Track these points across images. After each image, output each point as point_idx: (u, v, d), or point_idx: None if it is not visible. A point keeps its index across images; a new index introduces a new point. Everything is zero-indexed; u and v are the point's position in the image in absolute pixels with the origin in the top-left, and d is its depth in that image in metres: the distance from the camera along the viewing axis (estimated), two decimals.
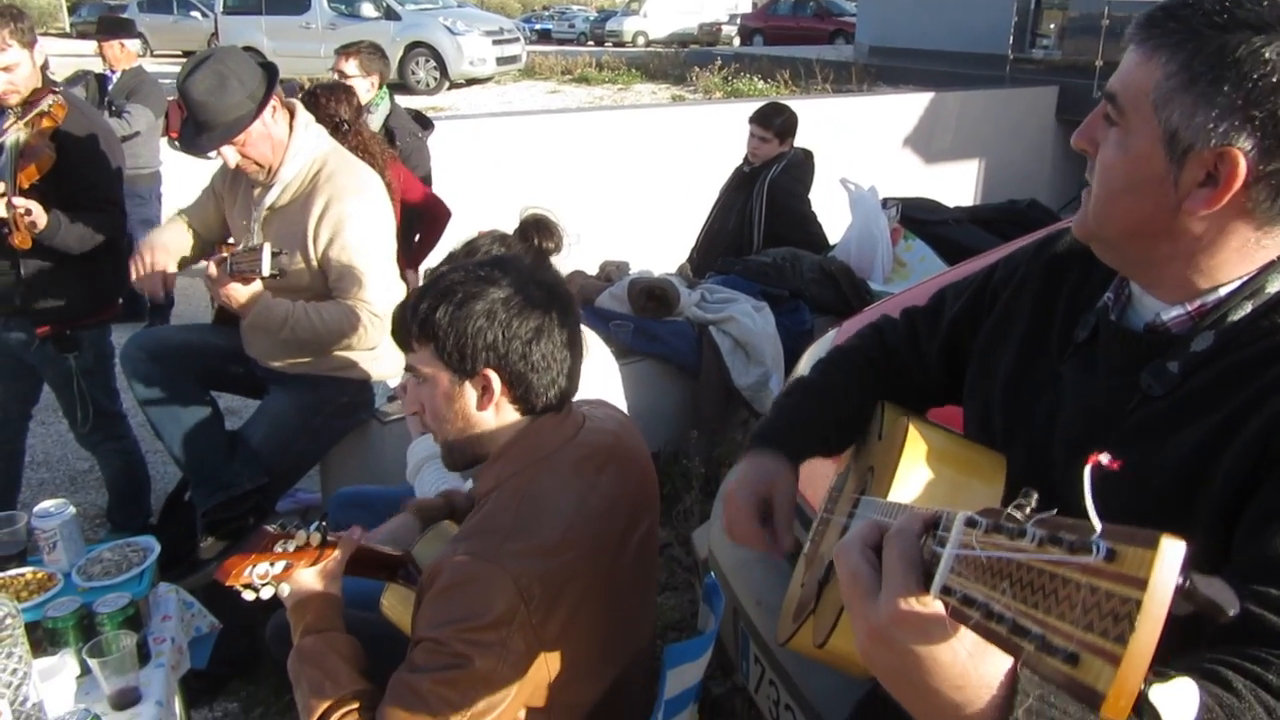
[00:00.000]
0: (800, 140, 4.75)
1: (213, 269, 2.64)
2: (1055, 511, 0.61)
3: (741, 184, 4.78)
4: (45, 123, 2.87)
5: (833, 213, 5.00)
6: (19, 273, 2.96)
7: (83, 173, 2.94)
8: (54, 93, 2.92)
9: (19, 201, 2.75)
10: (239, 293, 2.61)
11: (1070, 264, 1.25)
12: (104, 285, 3.13)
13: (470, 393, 1.49)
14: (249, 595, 1.60)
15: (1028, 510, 0.62)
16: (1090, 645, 0.54)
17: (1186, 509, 0.99)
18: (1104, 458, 0.64)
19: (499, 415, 1.51)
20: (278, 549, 1.60)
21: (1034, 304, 1.26)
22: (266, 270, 2.55)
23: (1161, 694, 0.57)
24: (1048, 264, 1.27)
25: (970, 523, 0.66)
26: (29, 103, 2.88)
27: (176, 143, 5.86)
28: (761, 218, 4.64)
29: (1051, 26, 15.23)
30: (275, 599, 1.62)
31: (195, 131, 2.66)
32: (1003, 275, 1.34)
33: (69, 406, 3.19)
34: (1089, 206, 1.06)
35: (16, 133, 2.85)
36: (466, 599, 1.34)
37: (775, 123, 4.61)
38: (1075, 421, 1.12)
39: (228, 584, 1.59)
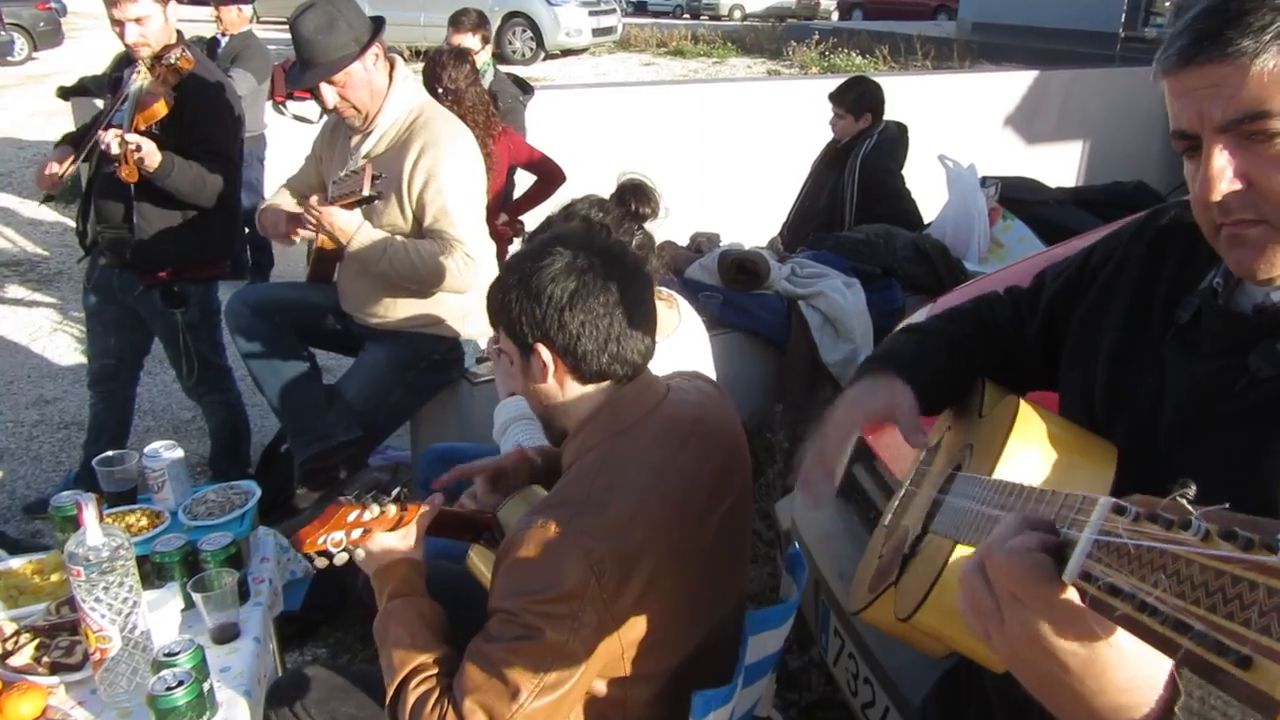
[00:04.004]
0: (900, 118, 4.65)
1: (314, 198, 2.72)
2: (1194, 492, 0.59)
3: (833, 161, 4.70)
4: (170, 74, 3.00)
5: (929, 190, 4.90)
6: (131, 224, 3.09)
7: (200, 125, 3.05)
8: (184, 46, 3.04)
9: (131, 137, 2.87)
10: (340, 218, 2.69)
11: (1172, 243, 1.21)
12: (213, 241, 3.23)
13: (535, 368, 1.50)
14: (322, 562, 1.63)
15: (1188, 500, 0.59)
16: (1268, 650, 0.50)
17: None
18: None
19: (566, 389, 1.52)
20: (351, 519, 1.61)
21: (1135, 284, 1.22)
22: (367, 189, 2.62)
23: None
24: (1150, 243, 1.24)
25: (1118, 509, 0.62)
26: (158, 56, 3.01)
27: (282, 107, 6.07)
28: (854, 195, 4.56)
29: (1167, 4, 14.64)
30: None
31: (300, 69, 2.76)
32: (1102, 254, 1.31)
33: (175, 359, 3.32)
34: (1276, 239, 0.97)
35: (142, 80, 2.99)
36: (538, 571, 1.36)
37: (848, 99, 4.53)
38: (1180, 403, 1.09)
39: (303, 551, 1.61)
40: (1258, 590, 0.51)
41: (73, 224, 3.36)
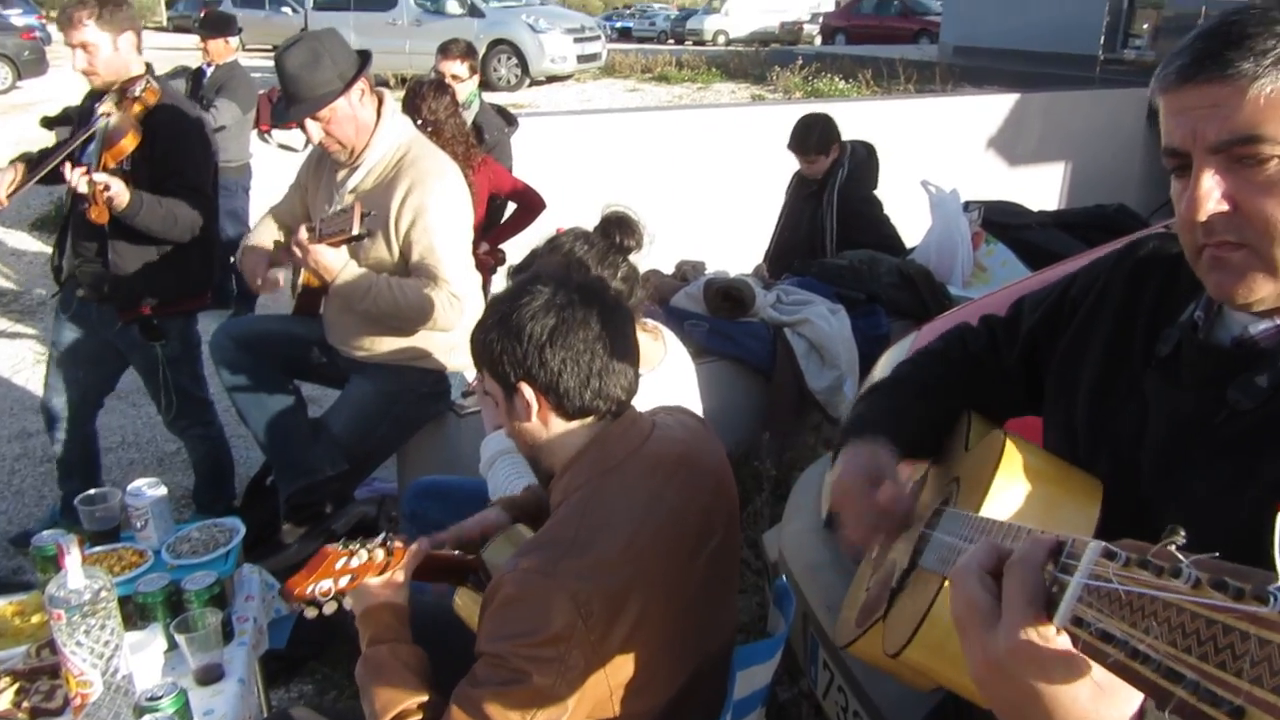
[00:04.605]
0: (882, 142, 4.67)
1: (303, 233, 2.71)
2: (1184, 538, 0.59)
3: (809, 194, 4.65)
4: (136, 107, 2.97)
5: (913, 215, 4.93)
6: (106, 259, 3.05)
7: (171, 158, 3.02)
8: (149, 79, 3.02)
9: (99, 176, 2.84)
10: (326, 256, 2.69)
11: (1151, 275, 1.22)
12: (191, 274, 3.21)
13: (519, 407, 1.50)
14: (311, 612, 1.62)
15: (1176, 547, 0.59)
16: (1263, 702, 0.50)
17: None
18: None
19: (551, 427, 1.52)
20: (339, 566, 1.61)
21: (1115, 315, 1.23)
22: (357, 228, 2.62)
23: None
24: (1129, 275, 1.25)
25: (1109, 554, 0.62)
26: (124, 88, 2.98)
27: (266, 136, 6.07)
28: (833, 226, 4.54)
29: (1145, 26, 14.82)
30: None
31: (285, 104, 2.76)
32: (1082, 285, 1.32)
33: (155, 393, 3.29)
34: (1268, 254, 0.96)
35: (108, 117, 2.97)
36: (524, 614, 1.35)
37: (810, 143, 4.46)
38: (1162, 434, 1.10)
39: (290, 602, 1.61)
40: (1249, 641, 0.51)
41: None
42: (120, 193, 2.86)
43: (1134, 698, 0.66)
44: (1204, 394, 1.06)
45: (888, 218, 4.70)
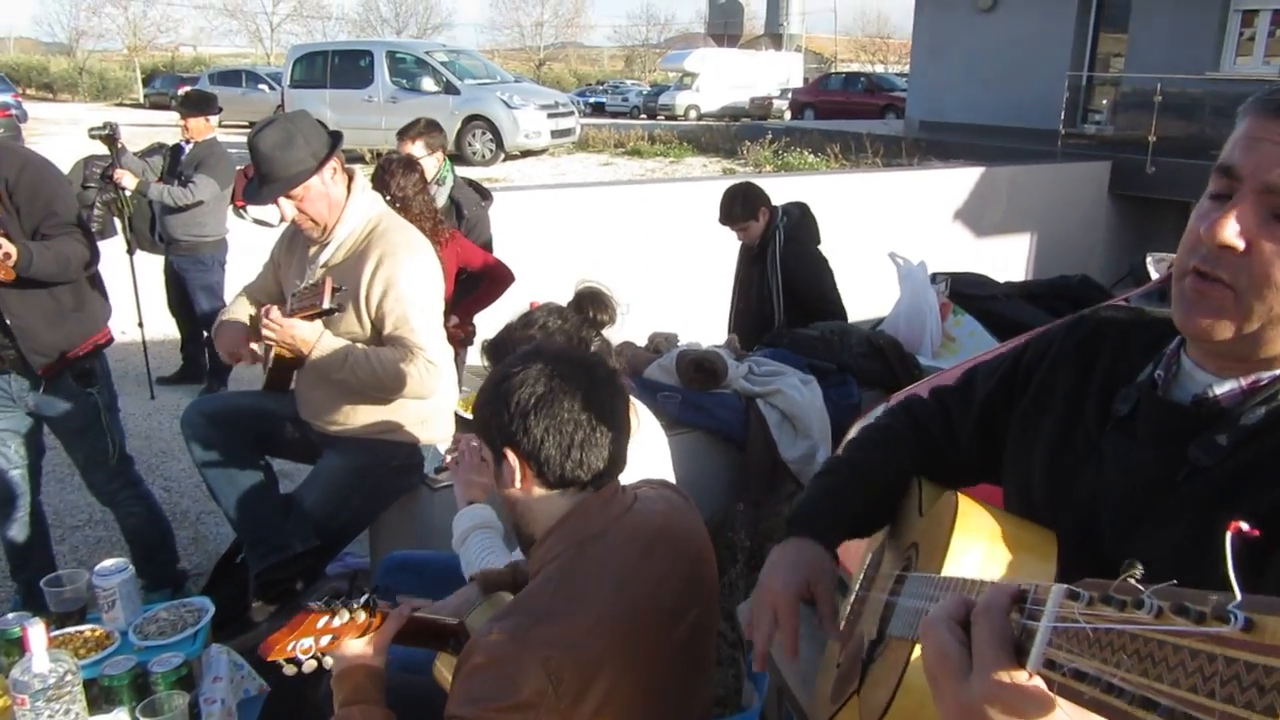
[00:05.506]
0: (850, 214, 4.77)
1: (274, 311, 2.73)
2: (1141, 571, 0.61)
3: (753, 261, 4.72)
4: None
5: (881, 286, 5.02)
6: (4, 322, 2.96)
7: (38, 201, 2.94)
8: None
9: None
10: (302, 329, 2.71)
11: (1104, 341, 1.25)
12: (93, 309, 3.15)
13: (505, 473, 1.52)
14: (289, 670, 1.60)
15: (1134, 579, 0.61)
16: (1234, 718, 0.52)
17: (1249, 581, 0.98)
18: (1244, 525, 0.61)
19: (534, 495, 1.53)
20: (321, 625, 1.60)
21: (1070, 380, 1.26)
22: (327, 302, 2.65)
23: None
24: (1081, 340, 1.28)
25: (1072, 595, 0.64)
26: None
27: (242, 211, 6.12)
28: (779, 291, 4.60)
29: (1104, 102, 15.30)
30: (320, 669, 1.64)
31: (259, 183, 2.80)
32: (1036, 352, 1.35)
33: (91, 451, 3.20)
34: (1247, 305, 0.99)
35: None
36: (495, 679, 1.34)
37: (737, 212, 4.53)
38: (1121, 493, 1.12)
39: (269, 659, 1.60)
40: (1216, 662, 0.53)
41: None
42: (10, 250, 2.78)
43: None
44: (1164, 452, 1.08)
45: (833, 283, 4.70)
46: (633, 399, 2.49)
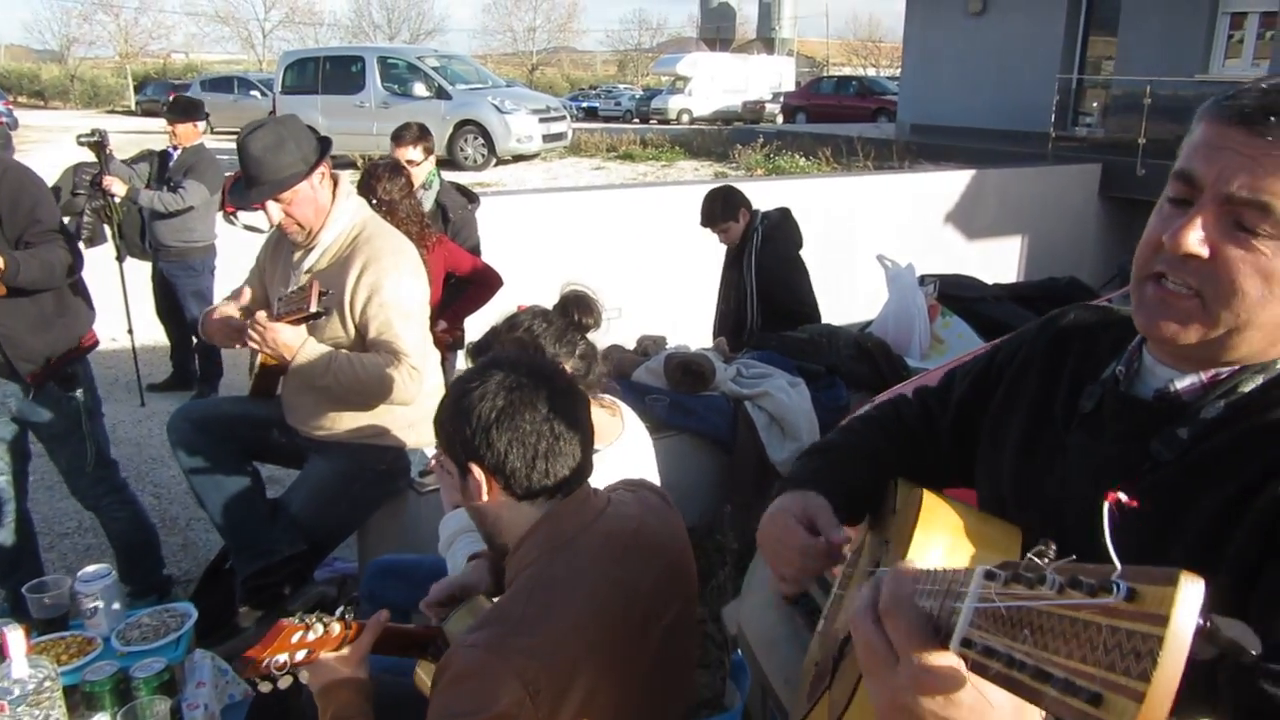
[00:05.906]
0: (841, 217, 4.78)
1: (260, 314, 2.73)
2: (1054, 550, 0.63)
3: (733, 263, 4.79)
4: None
5: (870, 289, 5.02)
6: None
7: (20, 209, 2.95)
8: None
9: None
10: (285, 334, 2.71)
11: (1073, 342, 1.26)
12: (77, 314, 3.16)
13: (471, 487, 1.52)
14: (266, 686, 1.60)
15: (1046, 559, 0.64)
16: (1113, 684, 0.54)
17: (1205, 574, 0.99)
18: (1122, 495, 0.65)
19: (502, 505, 1.53)
20: (295, 639, 1.59)
21: (1039, 380, 1.27)
22: (314, 306, 2.65)
23: None
24: (1050, 341, 1.29)
25: (989, 575, 0.67)
26: None
27: (233, 217, 6.11)
28: (753, 293, 4.64)
29: (1094, 104, 15.37)
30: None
31: (246, 185, 2.80)
32: (1008, 353, 1.36)
33: (73, 457, 3.21)
34: (1217, 312, 0.99)
35: None
36: (471, 692, 1.34)
37: (717, 214, 4.62)
38: (1086, 487, 1.13)
39: (245, 677, 1.59)
40: (1103, 631, 0.56)
41: None
42: None
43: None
44: (1127, 447, 1.09)
45: (807, 281, 4.74)
46: (618, 402, 2.50)
